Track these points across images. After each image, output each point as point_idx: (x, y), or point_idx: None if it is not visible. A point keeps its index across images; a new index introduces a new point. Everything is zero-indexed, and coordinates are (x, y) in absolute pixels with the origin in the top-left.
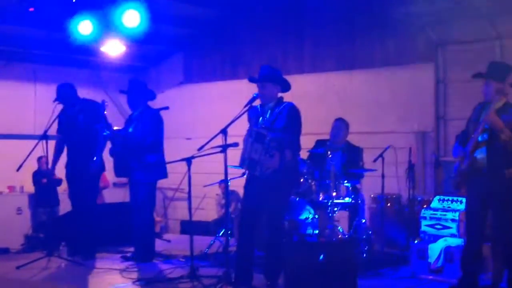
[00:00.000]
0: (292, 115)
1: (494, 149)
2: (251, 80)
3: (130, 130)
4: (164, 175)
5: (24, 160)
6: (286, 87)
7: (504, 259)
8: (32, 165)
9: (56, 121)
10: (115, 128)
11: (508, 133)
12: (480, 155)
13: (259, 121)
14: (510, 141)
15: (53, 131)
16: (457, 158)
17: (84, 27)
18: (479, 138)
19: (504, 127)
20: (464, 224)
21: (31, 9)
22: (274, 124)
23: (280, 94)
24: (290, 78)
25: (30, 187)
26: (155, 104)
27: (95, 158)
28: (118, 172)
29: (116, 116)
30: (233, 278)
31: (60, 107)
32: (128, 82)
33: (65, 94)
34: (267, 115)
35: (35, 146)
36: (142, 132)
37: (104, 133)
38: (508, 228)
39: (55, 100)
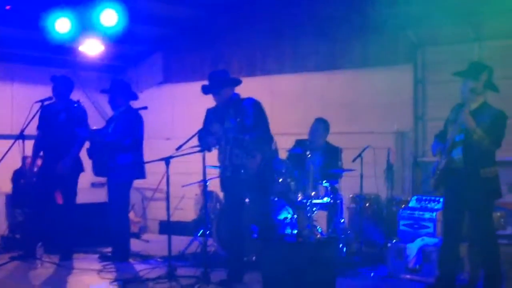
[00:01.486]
0: (257, 112)
1: (470, 149)
2: (205, 92)
3: (110, 130)
4: (142, 175)
5: (0, 160)
6: (238, 82)
7: (480, 258)
8: (8, 165)
9: (35, 119)
10: (94, 128)
11: (479, 133)
12: (457, 155)
13: (224, 124)
14: (483, 141)
15: (30, 130)
16: (436, 155)
17: (61, 25)
18: (456, 138)
19: (476, 127)
20: (441, 223)
21: (8, 7)
22: (243, 123)
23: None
24: (270, 78)
25: (6, 187)
26: (134, 104)
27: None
28: (96, 171)
29: (94, 115)
30: (227, 276)
31: (37, 105)
32: (110, 82)
33: (61, 87)
34: (232, 117)
35: (11, 146)
36: (122, 132)
37: (85, 138)
38: (485, 228)
39: (51, 96)
